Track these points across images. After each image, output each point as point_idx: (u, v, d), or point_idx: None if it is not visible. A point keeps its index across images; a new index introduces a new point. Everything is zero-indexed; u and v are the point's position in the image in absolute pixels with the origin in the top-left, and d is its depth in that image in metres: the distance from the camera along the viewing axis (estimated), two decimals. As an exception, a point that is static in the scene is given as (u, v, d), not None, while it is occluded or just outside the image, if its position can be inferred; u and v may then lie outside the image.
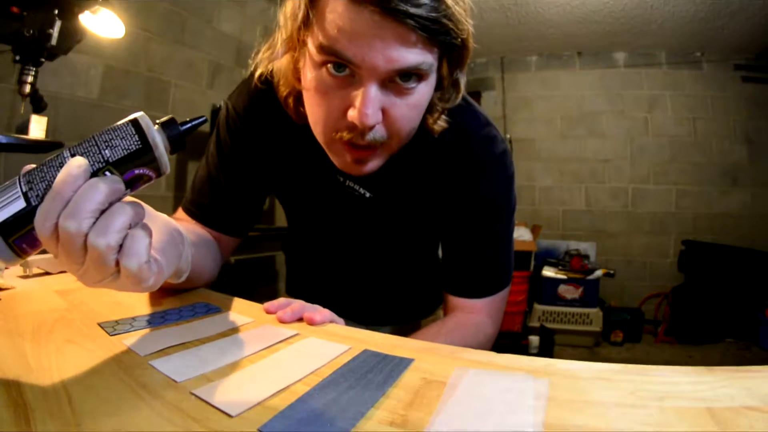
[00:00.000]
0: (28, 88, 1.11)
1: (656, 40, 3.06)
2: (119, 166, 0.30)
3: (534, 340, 2.66)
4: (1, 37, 1.02)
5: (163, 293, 0.52)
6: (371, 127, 0.44)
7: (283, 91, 0.54)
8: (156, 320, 0.42)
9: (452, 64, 0.48)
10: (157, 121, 0.33)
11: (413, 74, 0.43)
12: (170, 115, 0.33)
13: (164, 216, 0.41)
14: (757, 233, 3.01)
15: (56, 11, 1.04)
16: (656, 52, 3.25)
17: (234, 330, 0.40)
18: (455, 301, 0.63)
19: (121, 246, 0.29)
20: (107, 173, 0.30)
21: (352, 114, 0.43)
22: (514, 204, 0.62)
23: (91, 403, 0.25)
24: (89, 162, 0.29)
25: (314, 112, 0.48)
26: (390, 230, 0.66)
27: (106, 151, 0.30)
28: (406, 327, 0.76)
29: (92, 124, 1.83)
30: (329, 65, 0.43)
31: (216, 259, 0.61)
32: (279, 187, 0.68)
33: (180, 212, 0.65)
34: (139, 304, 0.47)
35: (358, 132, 0.45)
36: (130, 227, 0.29)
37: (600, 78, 3.38)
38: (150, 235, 0.30)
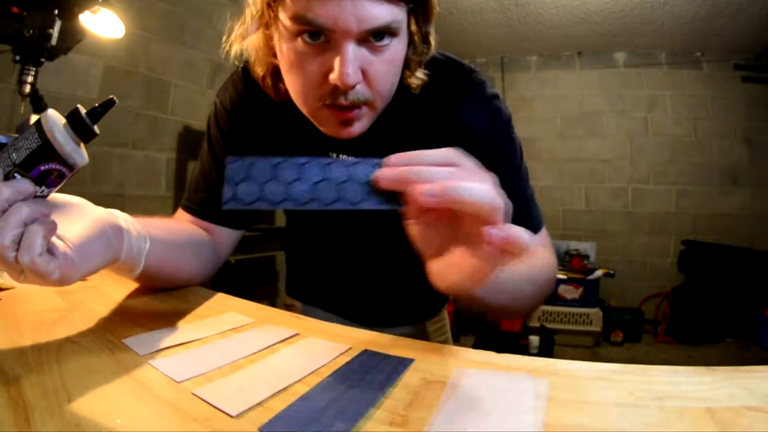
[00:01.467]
0: (28, 88, 1.10)
1: (656, 40, 3.06)
2: (25, 165, 0.32)
3: (534, 340, 2.66)
4: (1, 37, 1.02)
5: (150, 292, 0.52)
6: (353, 86, 0.45)
7: (260, 71, 0.54)
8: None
9: (418, 19, 0.49)
10: (66, 115, 0.34)
11: (385, 32, 0.44)
12: (76, 105, 0.34)
13: (102, 212, 0.41)
14: (757, 233, 3.01)
15: (56, 11, 1.04)
16: (656, 52, 3.25)
17: (234, 330, 0.40)
18: None
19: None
20: (16, 175, 0.32)
21: (333, 77, 0.43)
22: (519, 146, 0.60)
23: (91, 403, 0.25)
24: (1, 167, 0.32)
25: (294, 83, 0.49)
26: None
27: (14, 155, 0.32)
28: (410, 329, 0.75)
29: (92, 124, 1.83)
30: (304, 34, 0.43)
31: (203, 257, 0.60)
32: None
33: (179, 212, 0.66)
34: (140, 304, 0.47)
35: (341, 93, 0.46)
36: (26, 224, 0.31)
37: (600, 78, 3.38)
38: (49, 230, 0.31)
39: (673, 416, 0.25)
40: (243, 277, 2.26)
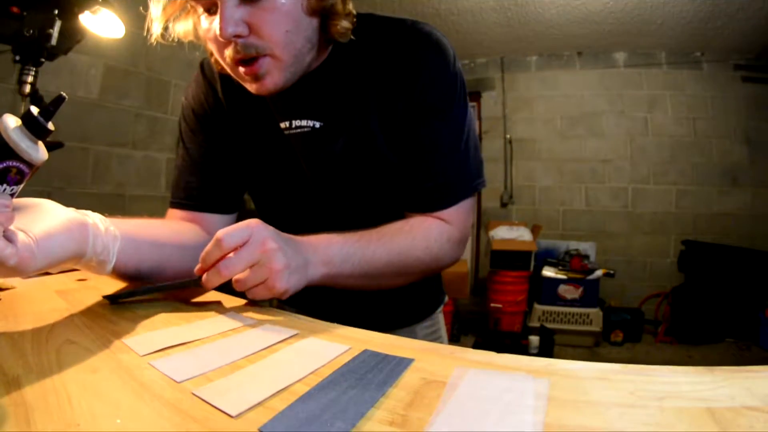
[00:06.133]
0: (28, 88, 1.10)
1: (656, 40, 3.06)
2: None
3: (534, 340, 2.66)
4: (1, 37, 1.02)
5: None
6: (236, 37, 0.49)
7: (208, 52, 0.59)
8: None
9: None
10: (20, 116, 0.37)
11: None
12: (30, 107, 0.38)
13: (69, 211, 0.43)
14: (757, 233, 3.01)
15: (56, 11, 1.04)
16: (656, 52, 3.25)
17: (234, 330, 0.40)
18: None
19: None
20: None
21: (217, 33, 0.49)
22: (463, 104, 0.60)
23: (91, 403, 0.25)
24: None
25: (212, 51, 0.54)
26: (356, 168, 0.62)
27: None
28: (401, 333, 0.74)
29: (92, 124, 1.83)
30: (201, 9, 0.51)
31: (193, 254, 0.57)
32: (243, 164, 0.68)
33: (169, 212, 0.67)
34: (140, 304, 0.47)
35: (234, 48, 0.50)
36: None
37: (600, 78, 3.38)
38: (6, 218, 0.34)
39: (673, 416, 0.25)
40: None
